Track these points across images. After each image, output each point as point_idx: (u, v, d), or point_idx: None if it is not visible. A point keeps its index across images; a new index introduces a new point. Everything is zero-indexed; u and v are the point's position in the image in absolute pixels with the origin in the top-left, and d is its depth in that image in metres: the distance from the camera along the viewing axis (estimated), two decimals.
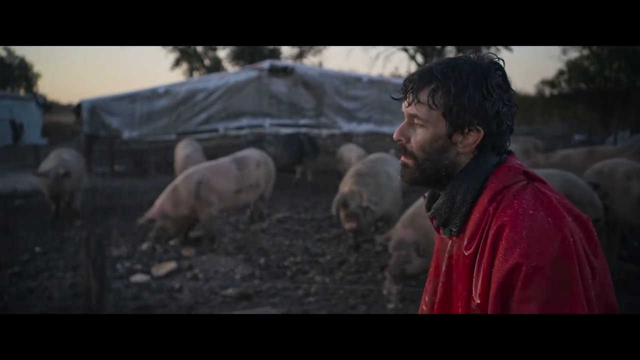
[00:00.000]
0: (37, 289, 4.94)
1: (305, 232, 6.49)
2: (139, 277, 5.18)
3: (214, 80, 12.80)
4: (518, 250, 0.90)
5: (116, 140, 12.62)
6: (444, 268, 1.08)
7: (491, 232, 0.95)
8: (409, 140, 1.06)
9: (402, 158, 1.09)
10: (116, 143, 12.67)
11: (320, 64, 29.45)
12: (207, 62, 28.58)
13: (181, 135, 12.09)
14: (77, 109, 12.70)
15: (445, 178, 1.06)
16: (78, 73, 69.09)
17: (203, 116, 12.51)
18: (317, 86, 12.53)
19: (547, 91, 26.19)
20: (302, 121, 12.55)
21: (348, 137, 12.60)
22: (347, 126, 12.93)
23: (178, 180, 5.98)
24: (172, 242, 6.26)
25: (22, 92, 28.61)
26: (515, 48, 25.70)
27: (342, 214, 5.36)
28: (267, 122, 12.46)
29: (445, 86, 1.00)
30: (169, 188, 5.86)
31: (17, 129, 22.81)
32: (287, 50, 28.69)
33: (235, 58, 27.70)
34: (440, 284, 1.09)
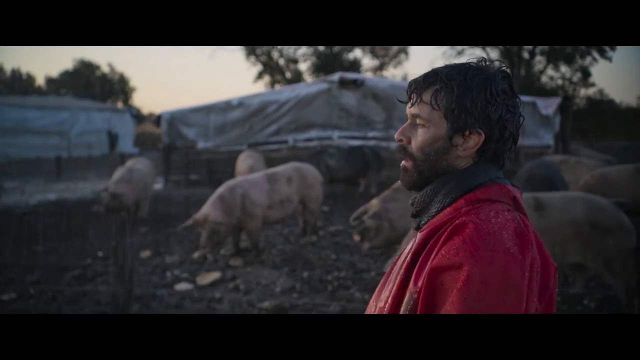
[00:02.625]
0: (90, 292, 5.18)
1: (354, 247, 6.31)
2: (182, 286, 5.27)
3: (285, 93, 12.98)
4: (470, 250, 0.87)
5: (191, 150, 13.15)
6: (402, 264, 1.03)
7: (455, 222, 0.92)
8: (409, 141, 1.05)
9: (403, 162, 1.07)
10: (191, 153, 13.19)
11: (405, 77, 29.04)
12: (288, 74, 29.26)
13: (252, 146, 12.36)
14: (158, 120, 13.41)
15: None
16: (169, 86, 73.83)
17: (274, 128, 12.71)
18: (387, 98, 12.31)
19: None
20: (371, 134, 12.36)
21: None
22: None
23: (222, 190, 6.03)
24: (222, 252, 6.34)
25: (119, 104, 30.81)
26: (615, 56, 23.86)
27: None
28: (336, 134, 12.41)
29: (449, 87, 0.99)
30: (214, 197, 5.94)
31: (113, 139, 24.59)
32: (367, 63, 28.69)
33: (316, 70, 28.13)
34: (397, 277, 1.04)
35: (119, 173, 8.07)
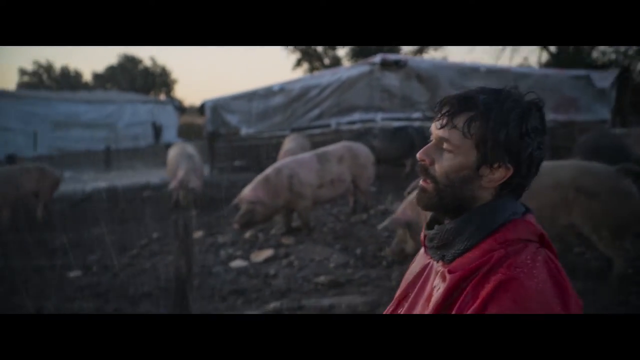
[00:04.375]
0: (149, 270, 5.34)
1: None
2: (237, 263, 5.36)
3: (326, 77, 12.93)
4: (521, 302, 0.87)
5: (235, 137, 13.30)
6: (428, 298, 1.01)
7: (494, 277, 0.90)
8: (432, 163, 1.01)
9: (422, 182, 1.03)
10: (235, 140, 13.35)
11: (446, 59, 28.48)
12: (326, 61, 29.11)
13: (295, 130, 12.39)
14: (201, 108, 13.61)
15: (461, 209, 1.01)
16: (209, 77, 74.85)
17: (316, 112, 12.69)
18: (431, 78, 12.09)
19: None
20: (415, 115, 12.19)
21: None
22: None
23: (269, 171, 6.06)
24: (272, 232, 6.40)
25: (162, 96, 31.48)
26: None
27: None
28: (379, 116, 12.30)
29: (485, 117, 0.96)
30: (259, 177, 5.99)
31: (157, 130, 25.18)
32: (406, 47, 28.21)
33: (355, 56, 27.87)
34: (409, 299, 1.06)
35: (184, 163, 8.16)
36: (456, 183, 0.99)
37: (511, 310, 0.86)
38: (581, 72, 13.25)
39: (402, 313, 1.06)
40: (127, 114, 24.01)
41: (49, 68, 33.44)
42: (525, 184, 1.01)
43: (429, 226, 1.09)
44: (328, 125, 12.62)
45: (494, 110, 0.96)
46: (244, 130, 13.28)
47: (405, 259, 4.50)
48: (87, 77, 36.80)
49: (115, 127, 22.97)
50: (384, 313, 1.13)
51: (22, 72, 33.48)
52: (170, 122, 25.95)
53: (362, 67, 12.61)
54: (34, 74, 33.28)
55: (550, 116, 11.38)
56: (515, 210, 0.99)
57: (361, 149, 6.74)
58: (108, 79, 32.71)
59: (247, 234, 6.27)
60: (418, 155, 1.04)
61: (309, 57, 29.14)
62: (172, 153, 8.88)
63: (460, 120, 0.98)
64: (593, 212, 3.86)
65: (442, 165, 1.00)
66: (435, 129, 1.02)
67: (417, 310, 1.02)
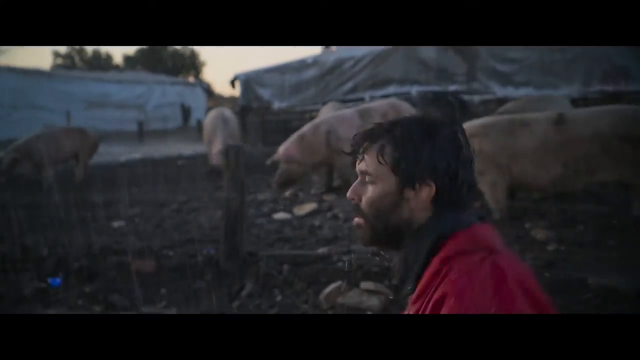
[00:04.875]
0: (191, 221, 5.28)
1: None
2: (280, 215, 5.26)
3: (361, 49, 12.69)
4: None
5: (267, 111, 13.20)
6: None
7: (434, 296, 0.91)
8: (360, 199, 1.03)
9: (356, 219, 1.05)
10: (267, 113, 13.25)
11: None
12: None
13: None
14: (233, 82, 13.54)
15: (401, 236, 1.01)
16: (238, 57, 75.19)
17: (350, 85, 12.48)
18: (469, 48, 11.74)
19: None
20: (452, 87, 11.87)
21: (502, 103, 11.62)
22: (502, 91, 11.89)
23: (306, 128, 5.94)
24: (312, 191, 6.27)
25: (191, 79, 31.61)
26: None
27: None
28: (415, 89, 12.03)
29: (394, 141, 0.99)
30: (294, 135, 5.87)
31: (185, 112, 25.33)
32: None
33: None
34: None
35: (220, 130, 8.06)
36: (383, 211, 1.00)
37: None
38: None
39: None
40: (156, 95, 24.20)
41: (81, 50, 33.87)
42: (458, 196, 0.99)
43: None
44: (362, 99, 12.41)
45: (399, 132, 0.99)
46: (277, 104, 13.17)
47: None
48: (118, 59, 37.26)
49: (145, 108, 23.16)
50: None
51: (56, 54, 34.03)
52: (198, 104, 26.07)
53: None
54: (67, 56, 33.76)
55: (596, 87, 10.89)
56: (456, 223, 0.98)
57: (405, 106, 6.53)
58: (138, 60, 32.96)
59: (287, 193, 6.16)
60: (347, 195, 1.06)
61: None
62: (209, 117, 8.83)
63: (372, 150, 1.00)
64: None
65: (367, 197, 1.01)
66: (357, 166, 1.04)
67: None
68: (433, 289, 0.93)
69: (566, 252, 3.74)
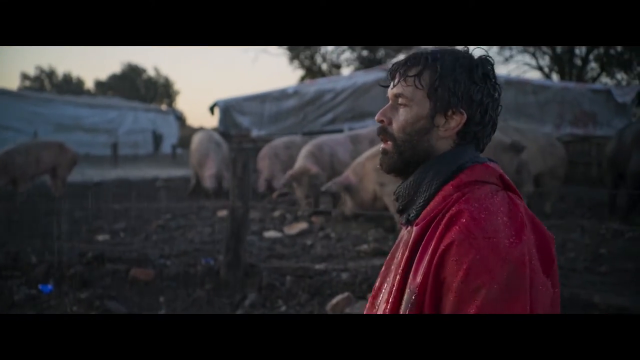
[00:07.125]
0: (179, 236, 5.17)
1: None
2: (271, 234, 5.21)
3: (341, 81, 12.95)
4: (470, 240, 0.87)
5: (245, 138, 13.20)
6: (401, 260, 1.00)
7: (448, 213, 0.92)
8: (390, 122, 1.03)
9: (382, 144, 1.06)
10: (245, 141, 13.24)
11: None
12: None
13: (307, 134, 12.32)
14: (212, 108, 13.53)
15: (418, 165, 1.03)
16: (213, 91, 75.27)
17: (329, 116, 12.64)
18: None
19: None
20: None
21: None
22: None
23: (310, 147, 6.07)
24: (299, 212, 6.26)
25: (164, 107, 31.42)
26: None
27: None
28: None
29: (433, 67, 1.00)
30: (305, 152, 5.96)
31: (157, 139, 25.05)
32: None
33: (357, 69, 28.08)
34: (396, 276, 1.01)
35: (214, 153, 8.06)
36: (414, 136, 1.00)
37: (459, 239, 0.87)
38: (601, 86, 13.26)
39: (385, 287, 1.06)
40: (128, 120, 23.92)
41: (51, 74, 33.32)
42: (483, 133, 1.02)
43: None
44: (340, 131, 12.57)
45: (441, 61, 1.00)
46: (255, 132, 13.19)
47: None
48: (89, 84, 36.76)
49: (116, 133, 22.79)
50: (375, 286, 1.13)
51: (24, 76, 33.36)
52: (170, 132, 25.85)
53: (378, 73, 12.63)
54: (36, 79, 33.13)
55: (567, 130, 11.32)
56: (474, 157, 1.00)
57: None
58: (110, 86, 32.60)
59: (276, 213, 6.13)
60: (376, 117, 1.06)
61: (312, 75, 29.35)
62: (198, 139, 8.75)
63: (410, 74, 1.01)
64: None
65: (399, 120, 1.01)
66: (390, 90, 1.04)
67: (391, 276, 1.02)
68: (446, 209, 0.93)
69: (562, 277, 3.83)
